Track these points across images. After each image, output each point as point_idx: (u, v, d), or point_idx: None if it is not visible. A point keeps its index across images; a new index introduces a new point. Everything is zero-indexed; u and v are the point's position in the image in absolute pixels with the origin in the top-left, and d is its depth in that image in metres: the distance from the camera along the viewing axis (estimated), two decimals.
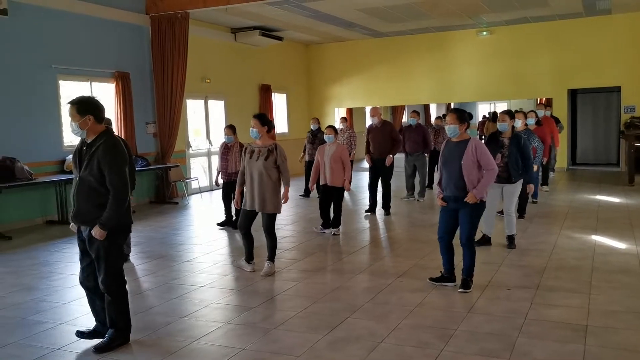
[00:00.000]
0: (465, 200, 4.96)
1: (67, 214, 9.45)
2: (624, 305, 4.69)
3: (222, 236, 8.10)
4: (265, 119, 5.88)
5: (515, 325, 4.32)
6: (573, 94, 15.54)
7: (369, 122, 21.12)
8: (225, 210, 8.64)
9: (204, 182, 13.05)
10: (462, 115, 5.03)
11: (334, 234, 7.68)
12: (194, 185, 12.57)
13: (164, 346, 4.14)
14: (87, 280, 4.11)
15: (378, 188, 9.23)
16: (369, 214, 9.19)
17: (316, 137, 10.91)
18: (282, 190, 5.95)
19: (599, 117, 15.83)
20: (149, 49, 11.55)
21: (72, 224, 4.10)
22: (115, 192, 3.87)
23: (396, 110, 21.46)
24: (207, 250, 7.25)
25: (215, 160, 13.40)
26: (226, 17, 12.59)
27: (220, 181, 8.67)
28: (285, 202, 6.07)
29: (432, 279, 5.35)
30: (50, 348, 4.15)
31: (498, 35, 15.07)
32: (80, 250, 4.10)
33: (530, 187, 6.62)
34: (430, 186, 11.57)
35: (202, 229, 8.69)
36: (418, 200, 10.50)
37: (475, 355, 3.80)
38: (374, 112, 9.19)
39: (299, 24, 13.68)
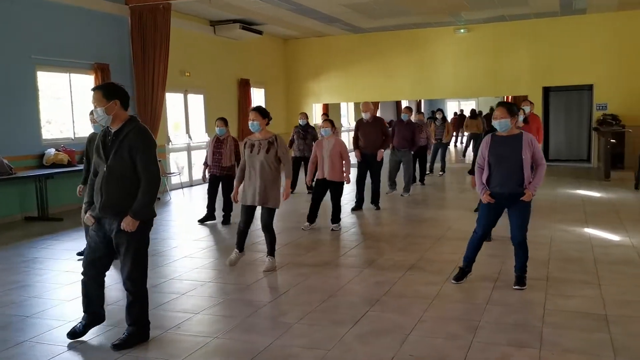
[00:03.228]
0: (522, 198, 4.81)
1: (47, 210, 9.13)
2: (636, 295, 4.78)
3: (214, 231, 7.94)
4: (264, 111, 5.79)
5: (536, 315, 4.35)
6: (546, 92, 15.83)
7: (344, 118, 21.16)
8: (209, 204, 8.43)
9: (185, 177, 12.79)
10: (512, 108, 4.83)
11: (333, 230, 7.61)
12: (175, 180, 12.31)
13: (184, 342, 4.01)
14: (94, 270, 3.95)
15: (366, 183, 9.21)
16: (357, 210, 9.10)
17: (307, 133, 10.81)
18: (284, 183, 5.86)
19: (570, 115, 16.18)
20: (129, 41, 11.24)
21: (88, 215, 3.91)
22: (148, 179, 3.77)
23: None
24: (203, 246, 7.10)
25: (196, 155, 13.21)
26: (206, 9, 12.37)
27: (208, 175, 8.47)
28: (287, 197, 5.96)
29: (456, 280, 5.18)
30: (64, 346, 3.97)
31: (475, 33, 15.25)
32: (94, 242, 3.92)
33: None
34: (414, 181, 11.65)
35: (193, 225, 8.49)
36: (402, 195, 10.50)
37: (506, 346, 3.80)
38: (366, 107, 9.13)
39: (281, 17, 13.54)
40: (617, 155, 13.11)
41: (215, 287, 5.35)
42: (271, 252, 5.84)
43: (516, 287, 4.99)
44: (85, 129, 10.29)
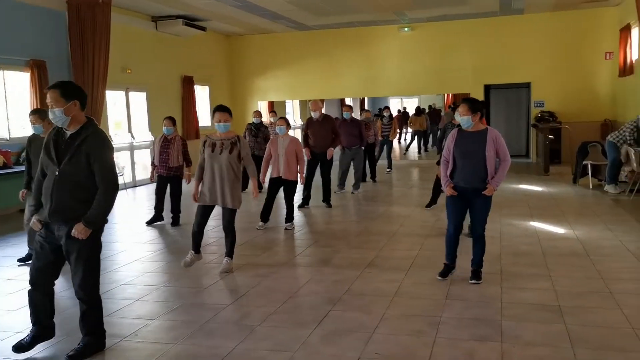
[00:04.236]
0: (483, 192, 4.89)
1: None
2: (586, 286, 4.95)
3: (162, 234, 7.72)
4: (230, 111, 5.67)
5: (494, 309, 4.43)
6: (486, 89, 16.26)
7: (289, 115, 21.07)
8: (157, 205, 8.21)
9: (128, 177, 12.40)
10: (474, 105, 4.86)
11: (287, 229, 7.55)
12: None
13: (143, 350, 3.86)
14: (42, 278, 3.73)
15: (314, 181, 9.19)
16: (303, 207, 9.07)
17: (259, 131, 10.68)
18: (240, 184, 5.74)
19: (510, 112, 16.68)
20: (66, 36, 10.77)
21: (34, 220, 3.69)
22: (106, 188, 3.59)
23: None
24: (153, 249, 6.89)
25: (139, 155, 12.84)
26: (148, 4, 12.02)
27: (156, 175, 8.22)
28: (257, 196, 5.93)
29: (442, 276, 5.17)
30: (13, 359, 3.75)
31: (419, 31, 15.49)
32: (41, 248, 3.71)
33: None
34: (364, 179, 11.76)
35: (139, 227, 8.21)
36: (352, 193, 10.56)
37: (470, 341, 3.85)
38: (315, 105, 9.08)
39: (225, 14, 13.31)
40: (554, 150, 13.63)
41: (170, 291, 5.19)
42: (230, 253, 5.73)
43: (472, 281, 5.07)
44: (21, 129, 9.82)
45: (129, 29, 12.55)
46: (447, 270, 5.24)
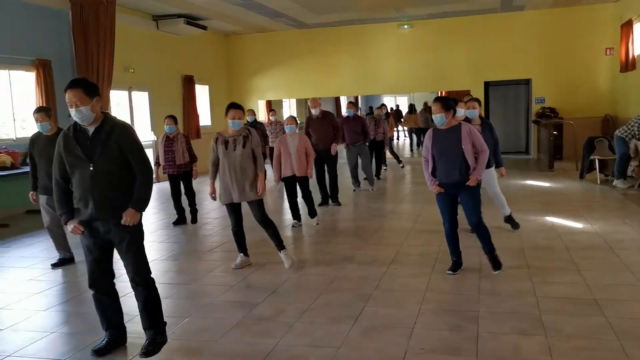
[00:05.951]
0: (467, 184, 4.99)
1: None
2: (614, 278, 4.95)
3: (173, 233, 7.65)
4: (243, 108, 5.67)
5: (530, 303, 4.41)
6: (485, 86, 16.30)
7: (286, 114, 21.06)
8: (176, 207, 8.16)
9: None
10: (447, 103, 5.00)
11: (317, 224, 7.63)
12: None
13: (182, 349, 3.81)
14: (100, 278, 3.73)
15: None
16: (323, 205, 9.05)
17: (256, 129, 10.61)
18: (258, 176, 5.68)
19: (509, 108, 16.73)
20: (70, 35, 10.65)
21: (74, 226, 3.60)
22: (145, 172, 3.63)
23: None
24: (170, 248, 6.82)
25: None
26: (149, 2, 11.91)
27: (164, 174, 8.16)
28: (263, 191, 5.84)
29: (451, 272, 5.23)
30: (52, 359, 3.69)
31: (418, 28, 15.49)
32: (89, 250, 3.67)
33: (502, 170, 6.73)
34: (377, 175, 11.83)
35: (150, 227, 8.13)
36: (373, 190, 10.51)
37: (512, 334, 3.83)
38: (315, 103, 8.98)
39: (226, 12, 13.24)
40: (557, 146, 13.68)
41: (195, 290, 5.13)
42: (280, 245, 5.72)
43: (496, 271, 5.13)
44: (27, 130, 9.70)
45: (131, 28, 12.44)
46: (456, 266, 5.28)
